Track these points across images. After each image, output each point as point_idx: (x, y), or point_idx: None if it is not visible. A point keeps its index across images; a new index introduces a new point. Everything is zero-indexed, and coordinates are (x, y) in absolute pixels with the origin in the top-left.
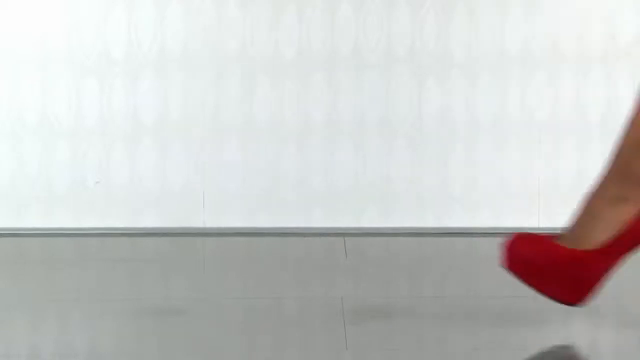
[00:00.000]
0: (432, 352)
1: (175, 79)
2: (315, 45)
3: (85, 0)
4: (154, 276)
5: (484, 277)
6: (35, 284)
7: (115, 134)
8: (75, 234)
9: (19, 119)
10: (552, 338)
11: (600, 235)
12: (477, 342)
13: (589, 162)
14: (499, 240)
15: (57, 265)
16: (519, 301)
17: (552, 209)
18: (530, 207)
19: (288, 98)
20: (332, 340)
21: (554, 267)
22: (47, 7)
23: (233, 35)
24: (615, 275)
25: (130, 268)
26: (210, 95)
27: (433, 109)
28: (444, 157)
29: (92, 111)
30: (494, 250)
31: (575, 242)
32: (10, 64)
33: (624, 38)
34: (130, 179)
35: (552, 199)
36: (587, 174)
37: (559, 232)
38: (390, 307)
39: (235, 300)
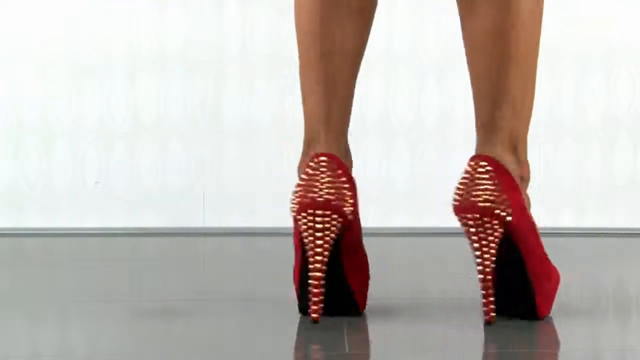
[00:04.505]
0: (431, 352)
1: (175, 79)
2: None
3: (86, 0)
4: (154, 276)
5: None
6: (35, 284)
7: (115, 134)
8: (75, 234)
9: (19, 119)
10: (554, 338)
11: None
12: (478, 341)
13: (588, 161)
14: None
15: (57, 265)
16: None
17: (553, 209)
18: (531, 207)
19: (288, 98)
20: (332, 340)
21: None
22: (47, 6)
23: (233, 35)
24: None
25: (130, 268)
26: (210, 95)
27: (433, 109)
28: (444, 157)
29: (92, 111)
30: None
31: None
32: (11, 64)
33: (624, 38)
34: (130, 179)
35: (552, 199)
36: (586, 173)
37: None
38: (390, 307)
39: (235, 300)
